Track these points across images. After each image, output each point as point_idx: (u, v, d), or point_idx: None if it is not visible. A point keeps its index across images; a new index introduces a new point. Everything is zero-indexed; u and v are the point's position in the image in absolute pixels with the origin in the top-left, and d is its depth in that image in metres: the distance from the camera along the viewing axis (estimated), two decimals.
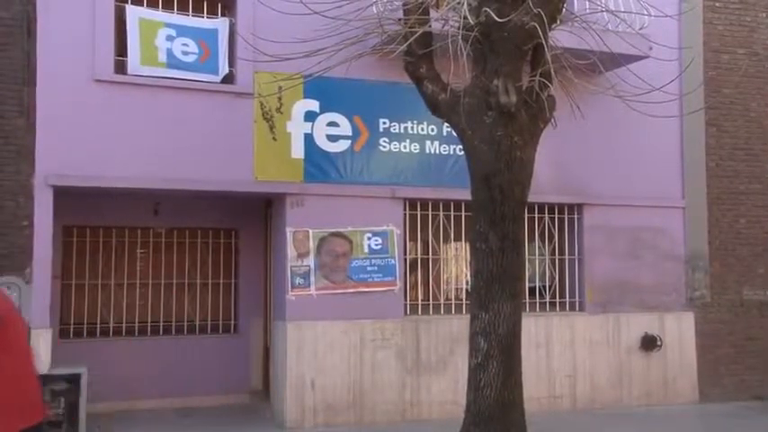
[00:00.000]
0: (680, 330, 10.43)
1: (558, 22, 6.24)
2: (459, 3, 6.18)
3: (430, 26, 6.54)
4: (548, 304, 9.91)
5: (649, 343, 10.20)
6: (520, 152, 6.31)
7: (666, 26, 9.55)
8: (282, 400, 8.45)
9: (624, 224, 10.10)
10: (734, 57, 11.23)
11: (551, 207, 9.83)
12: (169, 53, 8.38)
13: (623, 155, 10.08)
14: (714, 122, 11.01)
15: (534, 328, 9.44)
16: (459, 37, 5.94)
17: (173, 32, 8.44)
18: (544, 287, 10.00)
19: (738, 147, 11.12)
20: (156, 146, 8.07)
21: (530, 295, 9.78)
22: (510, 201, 6.39)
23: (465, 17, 6.02)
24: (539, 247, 9.90)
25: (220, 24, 8.70)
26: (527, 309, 9.53)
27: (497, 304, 6.42)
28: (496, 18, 5.76)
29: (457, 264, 9.78)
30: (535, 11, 5.87)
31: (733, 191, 11.04)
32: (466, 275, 9.43)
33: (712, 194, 10.91)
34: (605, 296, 9.87)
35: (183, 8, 8.62)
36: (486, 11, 5.78)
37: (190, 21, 8.58)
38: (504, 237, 6.43)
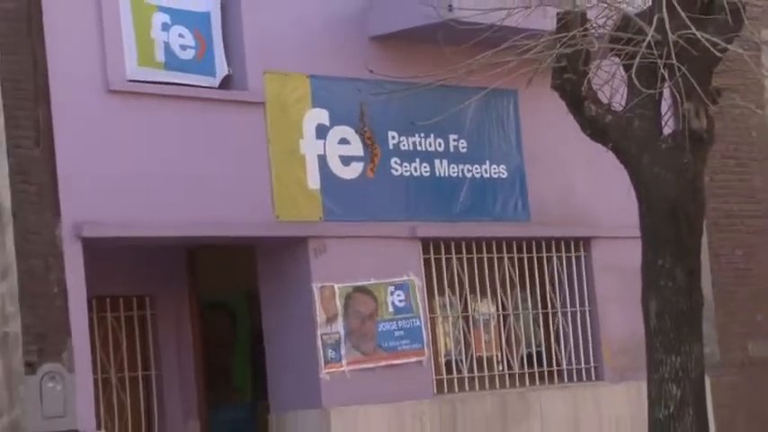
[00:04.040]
0: None
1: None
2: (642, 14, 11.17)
3: (593, 41, 11.44)
4: (557, 373, 14.45)
5: None
6: (701, 180, 11.54)
7: None
8: None
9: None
10: None
11: (557, 243, 14.57)
12: (167, 48, 11.69)
13: None
14: None
15: (561, 407, 14.03)
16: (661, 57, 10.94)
17: (167, 19, 11.88)
18: (545, 352, 14.61)
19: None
20: (181, 178, 11.56)
21: (532, 363, 14.46)
22: (696, 233, 11.61)
23: (653, 33, 11.02)
24: (548, 298, 14.82)
25: (212, 6, 12.10)
26: (535, 381, 14.32)
27: (688, 346, 11.51)
28: (707, 41, 10.91)
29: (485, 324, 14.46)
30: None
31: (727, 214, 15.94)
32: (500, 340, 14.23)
33: (708, 220, 14.39)
34: (623, 359, 14.40)
35: None
36: (699, 34, 10.87)
37: (181, 2, 11.91)
38: (690, 272, 11.52)
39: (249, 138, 12.31)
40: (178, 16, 12.05)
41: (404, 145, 13.59)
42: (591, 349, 14.81)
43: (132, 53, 11.61)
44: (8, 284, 10.40)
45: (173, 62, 11.98)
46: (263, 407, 13.52)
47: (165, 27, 11.94)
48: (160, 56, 11.90)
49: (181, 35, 12.02)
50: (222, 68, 12.35)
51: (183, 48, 12.05)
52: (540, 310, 14.73)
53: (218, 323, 14.49)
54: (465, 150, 14.12)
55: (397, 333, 13.15)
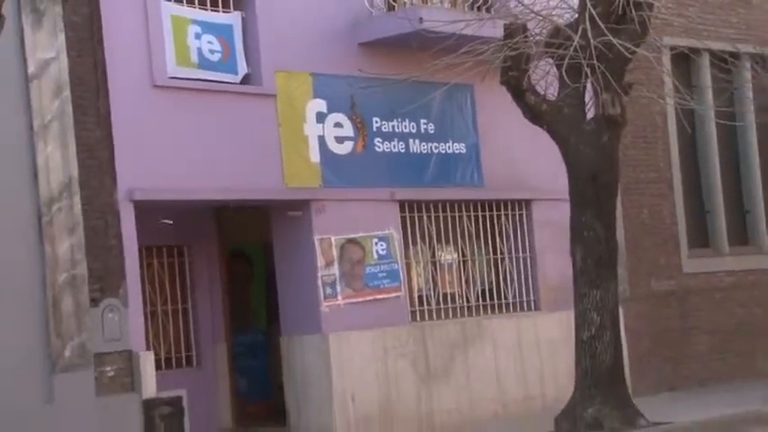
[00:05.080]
0: None
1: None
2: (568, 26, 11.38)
3: (532, 46, 11.64)
4: (505, 305, 14.61)
5: None
6: (616, 155, 11.76)
7: None
8: (329, 415, 12.25)
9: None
10: None
11: (505, 203, 14.67)
12: (199, 53, 11.83)
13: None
14: None
15: (508, 331, 14.25)
16: (584, 58, 11.13)
17: (199, 29, 11.98)
18: (495, 288, 14.78)
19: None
20: (210, 153, 11.74)
21: (485, 297, 14.61)
22: (612, 196, 11.82)
23: (579, 39, 11.21)
24: (498, 247, 15.08)
25: (234, 19, 12.24)
26: (488, 311, 14.51)
27: (606, 283, 11.71)
28: (620, 45, 11.08)
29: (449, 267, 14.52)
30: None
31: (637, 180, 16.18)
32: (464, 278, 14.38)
33: (622, 185, 14.28)
34: (556, 293, 14.50)
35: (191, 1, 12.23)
36: (614, 40, 11.04)
37: (209, 16, 11.93)
38: (607, 226, 11.73)
39: (264, 122, 12.49)
40: (207, 27, 12.22)
41: (385, 128, 13.70)
42: (531, 286, 14.97)
43: (172, 56, 11.80)
44: (77, 238, 10.54)
45: (204, 63, 12.15)
46: (275, 332, 13.65)
47: (198, 36, 12.13)
48: (194, 58, 12.10)
49: (210, 42, 12.19)
50: (242, 68, 12.50)
51: (212, 52, 12.21)
52: (491, 256, 14.83)
53: (240, 268, 14.58)
54: (433, 132, 14.18)
55: (380, 275, 13.33)
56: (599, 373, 11.49)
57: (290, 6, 12.62)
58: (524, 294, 15.00)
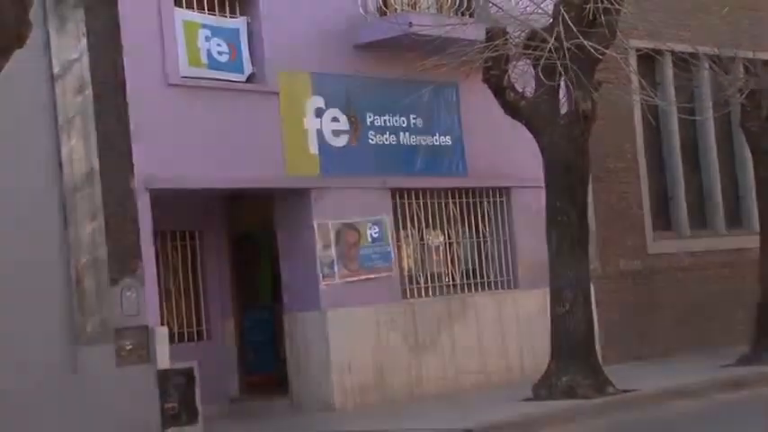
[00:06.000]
0: None
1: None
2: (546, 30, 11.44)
3: (511, 48, 11.71)
4: (487, 283, 14.69)
5: None
6: (587, 146, 11.85)
7: None
8: (328, 384, 12.36)
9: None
10: None
11: (486, 191, 14.75)
12: (208, 54, 11.87)
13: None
14: None
15: (489, 307, 14.36)
16: (557, 58, 11.19)
17: (209, 33, 12.06)
18: (478, 268, 14.97)
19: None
20: (219, 146, 11.77)
21: (469, 276, 14.85)
22: (584, 184, 11.92)
23: (554, 41, 11.28)
24: (480, 230, 15.27)
25: (240, 24, 12.31)
26: (471, 289, 14.71)
27: (579, 263, 11.84)
28: (591, 47, 11.14)
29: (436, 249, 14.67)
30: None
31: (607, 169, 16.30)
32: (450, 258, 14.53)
33: (593, 174, 14.37)
34: (533, 272, 14.56)
35: (200, 6, 12.26)
36: (586, 43, 11.11)
37: (218, 21, 11.99)
38: (580, 212, 11.86)
39: (268, 118, 12.55)
40: (216, 31, 12.29)
41: (377, 122, 13.72)
42: (510, 266, 15.06)
43: (184, 57, 11.90)
44: (98, 223, 10.57)
45: (213, 63, 12.21)
46: (279, 309, 13.68)
47: (207, 39, 12.19)
48: (204, 59, 12.15)
49: (218, 44, 12.26)
50: (248, 68, 12.56)
51: (220, 53, 12.27)
52: (474, 239, 14.91)
53: (247, 250, 14.58)
54: (421, 126, 14.20)
55: (373, 256, 13.38)
56: (572, 345, 11.62)
57: (291, 12, 12.66)
58: (504, 273, 15.05)
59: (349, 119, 13.34)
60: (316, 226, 12.79)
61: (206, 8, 12.21)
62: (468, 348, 14.15)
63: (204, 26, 12.09)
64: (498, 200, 15.16)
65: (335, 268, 12.89)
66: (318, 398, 12.73)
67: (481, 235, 14.99)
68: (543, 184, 12.16)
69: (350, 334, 12.83)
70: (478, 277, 14.87)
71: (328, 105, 13.15)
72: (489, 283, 14.99)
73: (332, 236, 12.91)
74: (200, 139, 11.75)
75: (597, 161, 14.83)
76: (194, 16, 12.00)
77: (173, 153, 11.38)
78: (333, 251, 12.89)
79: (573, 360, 11.56)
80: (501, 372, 14.45)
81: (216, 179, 11.92)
